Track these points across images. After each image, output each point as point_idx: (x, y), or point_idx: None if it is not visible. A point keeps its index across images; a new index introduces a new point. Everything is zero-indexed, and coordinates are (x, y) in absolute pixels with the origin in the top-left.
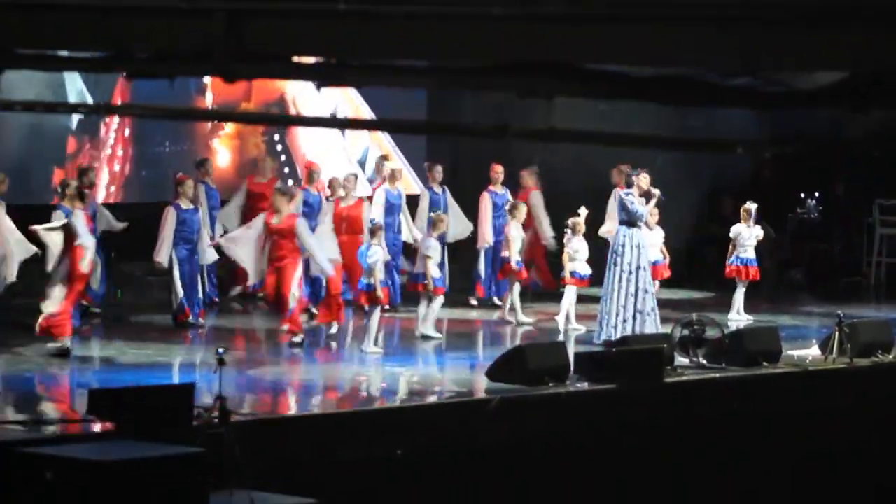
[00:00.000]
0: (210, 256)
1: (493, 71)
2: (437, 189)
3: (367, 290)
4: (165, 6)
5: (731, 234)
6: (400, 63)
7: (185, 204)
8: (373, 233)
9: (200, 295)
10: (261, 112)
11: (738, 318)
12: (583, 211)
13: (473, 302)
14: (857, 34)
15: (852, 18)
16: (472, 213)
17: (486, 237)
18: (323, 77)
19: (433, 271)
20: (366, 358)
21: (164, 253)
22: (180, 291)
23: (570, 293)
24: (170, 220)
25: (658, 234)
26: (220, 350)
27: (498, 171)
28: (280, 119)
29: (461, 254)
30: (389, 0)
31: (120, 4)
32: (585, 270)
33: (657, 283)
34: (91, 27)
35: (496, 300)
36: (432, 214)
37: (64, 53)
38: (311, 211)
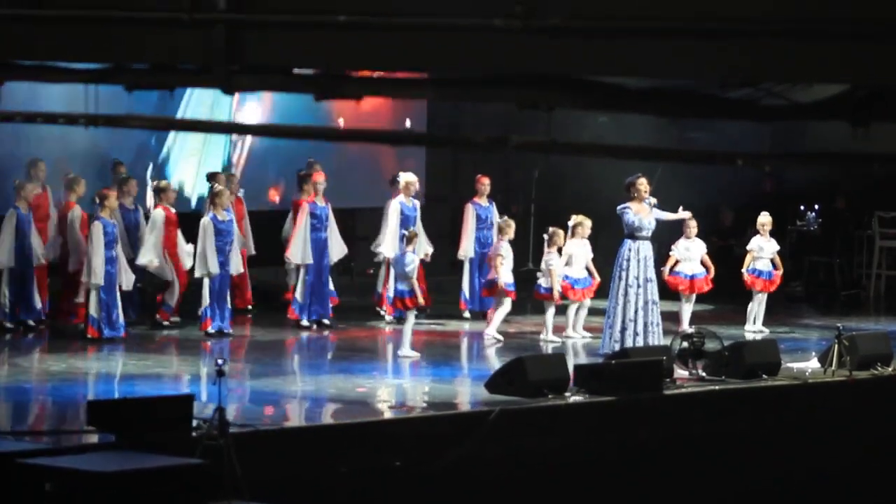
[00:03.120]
0: (239, 266)
1: (493, 83)
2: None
3: (402, 297)
4: (166, 18)
5: (748, 247)
6: (400, 75)
7: (221, 215)
8: (408, 240)
9: (229, 304)
10: (265, 125)
11: (752, 328)
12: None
13: (467, 315)
14: (857, 48)
15: (852, 32)
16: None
17: (467, 249)
18: (323, 89)
19: (504, 275)
20: (362, 369)
21: (213, 263)
22: (206, 300)
23: (552, 309)
24: (209, 230)
25: (700, 247)
26: (220, 361)
27: (484, 182)
28: (269, 130)
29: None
30: (389, 12)
31: (121, 16)
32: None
33: (694, 296)
34: (92, 39)
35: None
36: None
37: (64, 65)
38: (318, 223)
